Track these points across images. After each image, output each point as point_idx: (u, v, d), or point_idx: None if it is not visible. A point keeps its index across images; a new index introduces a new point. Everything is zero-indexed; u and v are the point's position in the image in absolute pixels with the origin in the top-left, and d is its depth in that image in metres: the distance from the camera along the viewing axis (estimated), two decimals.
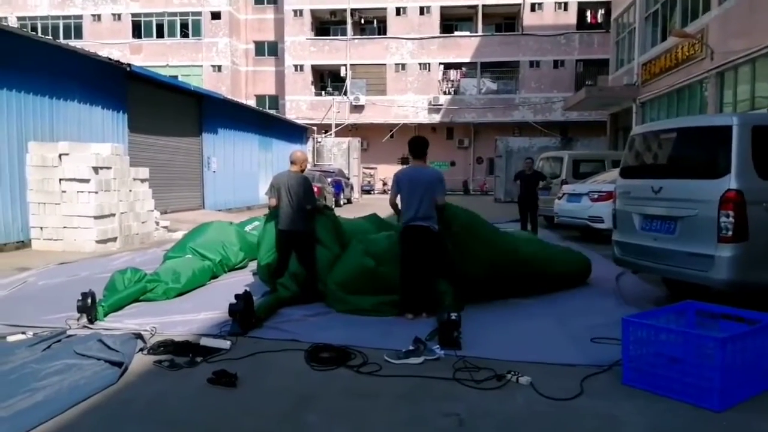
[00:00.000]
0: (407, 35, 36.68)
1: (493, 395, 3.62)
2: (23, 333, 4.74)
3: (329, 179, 22.25)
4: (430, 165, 5.99)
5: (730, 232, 4.98)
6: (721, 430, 3.20)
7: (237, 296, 4.95)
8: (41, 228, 9.94)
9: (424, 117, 36.86)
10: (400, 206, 5.62)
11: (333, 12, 38.13)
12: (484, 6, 36.37)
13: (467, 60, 36.74)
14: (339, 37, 38.16)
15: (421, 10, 36.61)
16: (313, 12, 37.81)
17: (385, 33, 37.45)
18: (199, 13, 37.94)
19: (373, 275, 5.84)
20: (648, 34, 19.22)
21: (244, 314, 4.90)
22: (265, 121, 23.00)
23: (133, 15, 38.37)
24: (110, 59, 12.78)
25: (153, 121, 14.56)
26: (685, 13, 16.44)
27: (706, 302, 4.44)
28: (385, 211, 9.59)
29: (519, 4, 36.03)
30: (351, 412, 3.40)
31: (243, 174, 20.47)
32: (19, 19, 37.86)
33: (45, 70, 10.54)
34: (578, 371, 3.99)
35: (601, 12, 35.00)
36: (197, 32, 38.21)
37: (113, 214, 10.28)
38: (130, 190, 10.87)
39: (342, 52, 37.41)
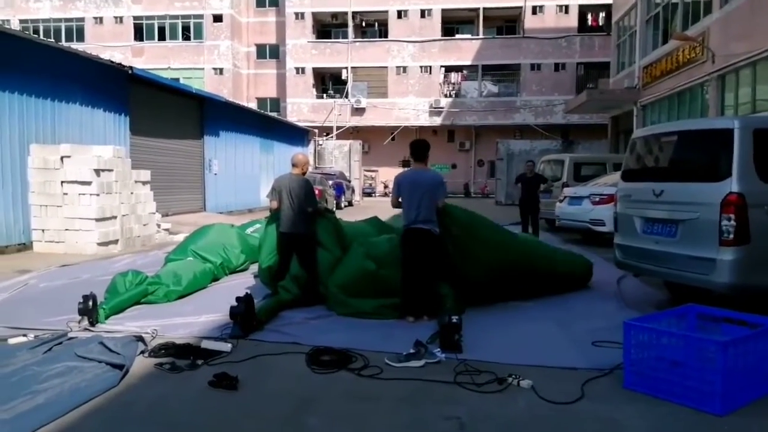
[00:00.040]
0: (408, 38, 36.73)
1: (494, 399, 3.61)
2: (24, 335, 4.74)
3: (330, 182, 22.26)
4: (431, 168, 5.99)
5: (731, 236, 4.98)
6: None
7: (238, 299, 4.95)
8: (43, 230, 9.95)
9: (425, 120, 36.90)
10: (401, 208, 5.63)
11: (334, 15, 38.21)
12: (485, 9, 36.40)
13: (468, 63, 36.79)
14: (340, 40, 38.22)
15: (423, 13, 36.67)
16: (314, 15, 37.89)
17: (386, 36, 37.52)
18: (200, 16, 38.04)
19: (374, 278, 5.84)
20: (649, 37, 19.24)
21: (245, 317, 4.90)
22: (266, 123, 23.03)
23: (135, 18, 38.48)
24: (112, 62, 12.82)
25: (155, 124, 14.59)
26: (686, 16, 16.45)
27: (707, 306, 4.44)
28: (386, 213, 9.59)
29: (520, 7, 36.06)
30: (352, 415, 3.40)
31: (244, 176, 20.48)
32: (22, 21, 38.04)
33: (47, 72, 10.57)
34: (579, 375, 3.99)
35: (602, 15, 35.04)
36: (199, 35, 38.31)
37: (115, 217, 10.29)
38: (132, 193, 10.88)
39: (343, 54, 37.47)
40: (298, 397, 3.64)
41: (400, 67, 37.08)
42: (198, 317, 5.49)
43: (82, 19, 38.80)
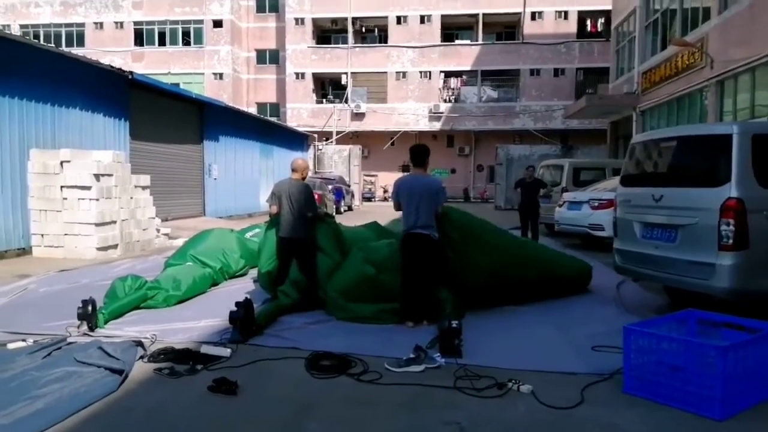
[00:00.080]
0: (408, 44, 36.82)
1: (494, 403, 3.61)
2: (23, 340, 4.73)
3: (330, 187, 22.29)
4: (430, 173, 6.00)
5: (730, 241, 4.99)
6: None
7: (237, 304, 4.95)
8: (42, 235, 9.95)
9: (424, 125, 36.96)
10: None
11: (334, 20, 38.32)
12: (484, 15, 36.50)
13: (468, 68, 36.87)
14: (340, 46, 38.32)
15: (422, 19, 36.78)
16: (314, 20, 38.00)
17: (386, 41, 37.60)
18: (201, 21, 38.14)
19: (373, 283, 5.84)
20: (648, 42, 19.30)
21: (244, 322, 4.89)
22: (266, 128, 23.06)
23: (136, 23, 38.57)
24: (112, 67, 12.84)
25: (154, 129, 14.60)
26: (685, 22, 16.51)
27: (707, 311, 4.44)
28: (385, 218, 9.60)
29: (519, 13, 36.17)
30: (351, 420, 3.40)
31: (244, 181, 20.50)
32: (22, 26, 38.14)
33: (47, 77, 10.59)
34: (579, 380, 3.98)
35: (601, 21, 35.15)
36: (199, 40, 38.40)
37: (114, 222, 10.29)
38: (132, 198, 10.89)
39: (343, 60, 37.56)
40: (298, 402, 3.64)
41: (399, 72, 37.16)
42: (197, 322, 5.48)
43: (82, 25, 38.90)
